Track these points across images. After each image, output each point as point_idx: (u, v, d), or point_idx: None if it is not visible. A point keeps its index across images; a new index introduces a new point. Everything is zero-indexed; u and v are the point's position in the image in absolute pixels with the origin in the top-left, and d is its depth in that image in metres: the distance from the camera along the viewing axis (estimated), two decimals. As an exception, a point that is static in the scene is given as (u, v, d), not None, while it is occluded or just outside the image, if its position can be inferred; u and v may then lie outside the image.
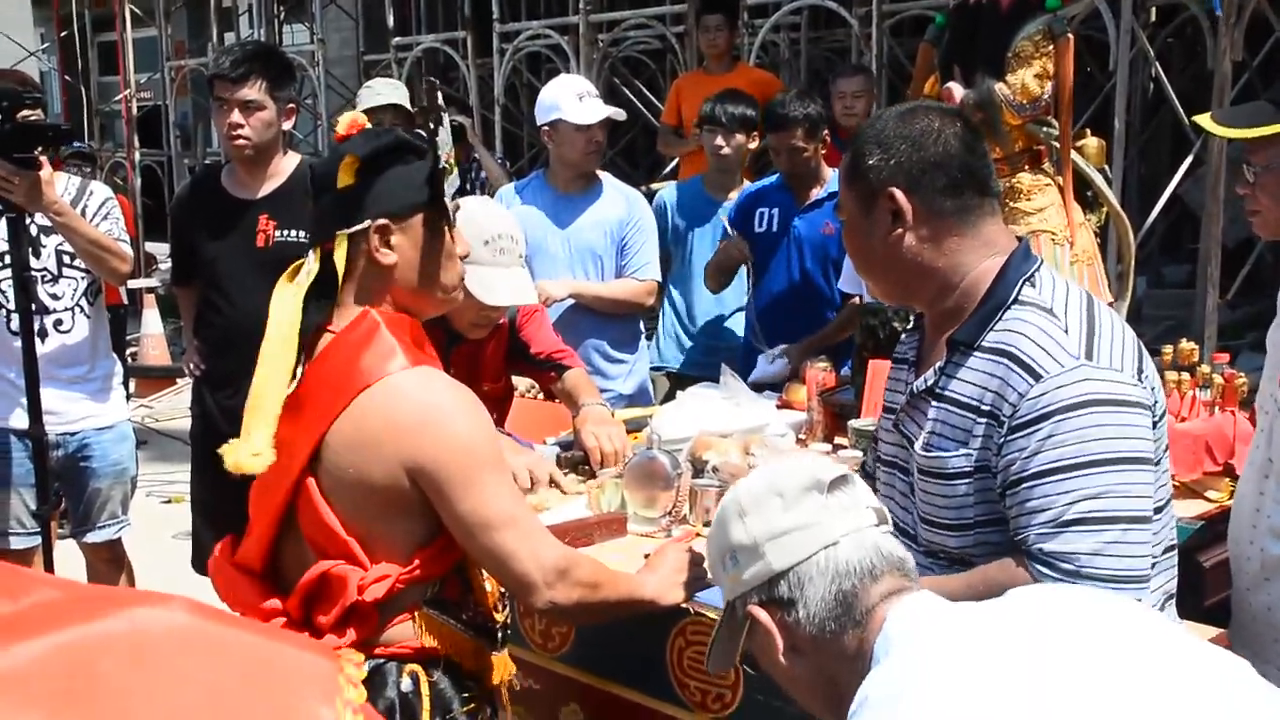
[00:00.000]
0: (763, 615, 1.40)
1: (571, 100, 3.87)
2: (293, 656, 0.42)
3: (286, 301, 1.77)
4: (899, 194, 1.67)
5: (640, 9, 8.61)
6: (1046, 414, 1.54)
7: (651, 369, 4.40)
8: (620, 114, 3.93)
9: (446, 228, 1.86)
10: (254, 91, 3.42)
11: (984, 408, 1.61)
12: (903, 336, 1.97)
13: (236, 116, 3.42)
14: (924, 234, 1.68)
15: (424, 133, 2.05)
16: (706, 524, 2.53)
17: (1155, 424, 1.62)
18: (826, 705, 1.40)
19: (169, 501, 6.17)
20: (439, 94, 1.84)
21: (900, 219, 1.68)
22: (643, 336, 4.24)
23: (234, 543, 1.94)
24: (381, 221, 1.79)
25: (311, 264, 1.79)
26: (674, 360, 4.48)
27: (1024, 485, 1.56)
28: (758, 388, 3.62)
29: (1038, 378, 1.55)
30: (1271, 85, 2.21)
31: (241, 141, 3.45)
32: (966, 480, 1.63)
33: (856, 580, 1.36)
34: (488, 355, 3.06)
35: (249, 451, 1.71)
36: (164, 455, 6.97)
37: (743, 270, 4.27)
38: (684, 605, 2.08)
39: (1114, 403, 1.54)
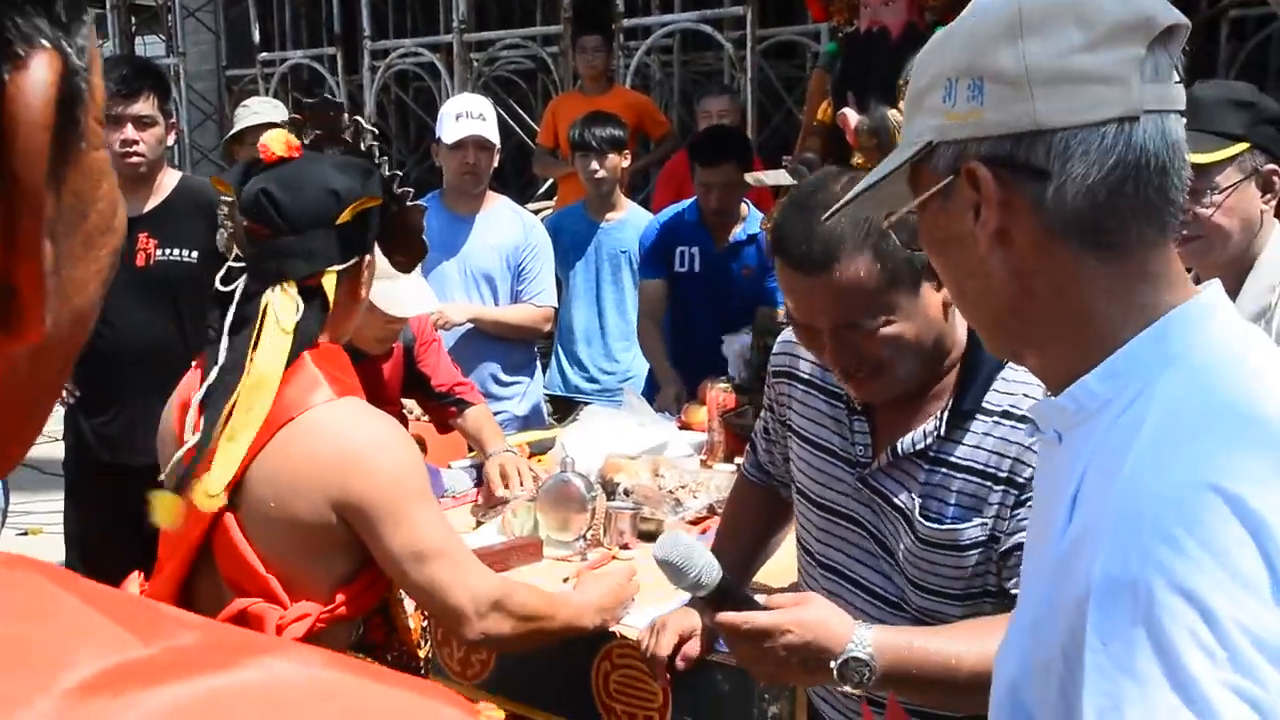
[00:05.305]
0: (987, 179, 0.95)
1: (449, 119, 3.85)
2: (441, 714, 0.38)
3: (279, 349, 1.69)
4: None
5: (514, 29, 8.60)
6: None
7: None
8: (485, 135, 3.84)
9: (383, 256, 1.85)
10: (147, 106, 3.31)
11: (1001, 474, 1.53)
12: (802, 354, 1.80)
13: (130, 133, 3.29)
14: None
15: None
16: (623, 546, 2.52)
17: None
18: (1012, 315, 1.01)
19: (25, 533, 5.88)
20: (345, 116, 1.80)
21: None
22: (537, 360, 4.22)
23: (138, 581, 1.84)
24: (369, 257, 1.78)
25: (294, 297, 1.71)
26: (554, 385, 4.47)
27: None
28: None
29: None
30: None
31: (137, 158, 3.31)
32: (980, 550, 1.54)
33: (1142, 185, 0.93)
34: (386, 376, 3.01)
35: (204, 492, 1.64)
36: (18, 483, 6.62)
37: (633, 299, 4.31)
38: (610, 628, 2.07)
39: None
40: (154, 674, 0.40)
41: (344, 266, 1.74)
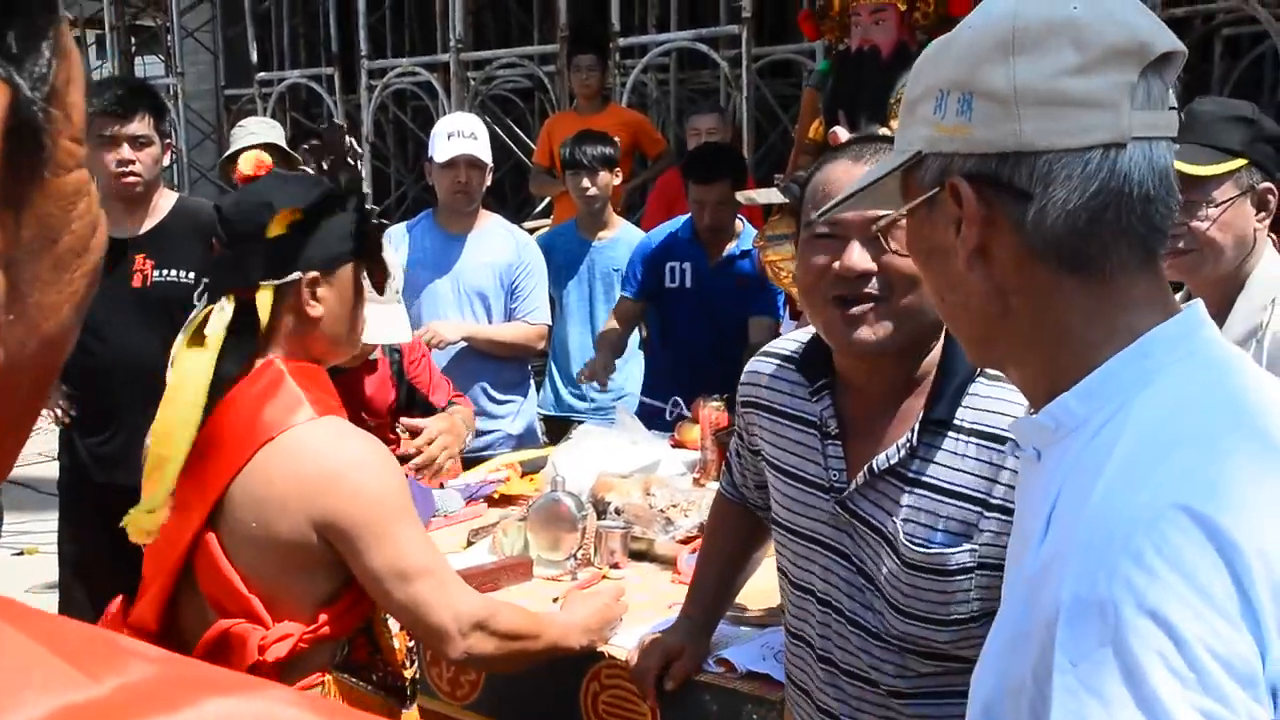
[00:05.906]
0: (969, 196, 0.96)
1: (440, 138, 3.87)
2: None
3: (199, 359, 1.68)
4: None
5: (511, 48, 8.63)
6: None
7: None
8: (476, 154, 3.86)
9: (365, 277, 1.82)
10: (143, 126, 3.32)
11: (993, 501, 1.50)
12: (768, 383, 1.77)
13: (127, 152, 3.30)
14: None
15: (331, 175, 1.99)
16: (613, 565, 2.52)
17: None
18: (991, 329, 1.02)
19: (21, 553, 5.87)
20: (346, 138, 1.79)
21: None
22: (530, 379, 4.22)
23: (126, 603, 1.85)
24: (313, 274, 1.73)
25: (226, 312, 1.72)
26: (548, 404, 4.48)
27: None
28: None
29: None
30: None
31: (133, 178, 3.32)
32: (968, 576, 1.51)
33: (1124, 212, 0.94)
34: (367, 389, 3.00)
35: (144, 509, 1.63)
36: (14, 503, 6.61)
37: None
38: (599, 648, 2.07)
39: None
40: (99, 716, 0.40)
41: (280, 282, 1.71)
